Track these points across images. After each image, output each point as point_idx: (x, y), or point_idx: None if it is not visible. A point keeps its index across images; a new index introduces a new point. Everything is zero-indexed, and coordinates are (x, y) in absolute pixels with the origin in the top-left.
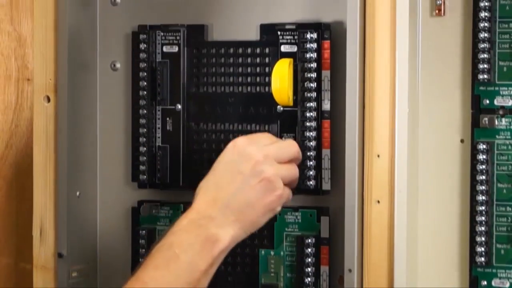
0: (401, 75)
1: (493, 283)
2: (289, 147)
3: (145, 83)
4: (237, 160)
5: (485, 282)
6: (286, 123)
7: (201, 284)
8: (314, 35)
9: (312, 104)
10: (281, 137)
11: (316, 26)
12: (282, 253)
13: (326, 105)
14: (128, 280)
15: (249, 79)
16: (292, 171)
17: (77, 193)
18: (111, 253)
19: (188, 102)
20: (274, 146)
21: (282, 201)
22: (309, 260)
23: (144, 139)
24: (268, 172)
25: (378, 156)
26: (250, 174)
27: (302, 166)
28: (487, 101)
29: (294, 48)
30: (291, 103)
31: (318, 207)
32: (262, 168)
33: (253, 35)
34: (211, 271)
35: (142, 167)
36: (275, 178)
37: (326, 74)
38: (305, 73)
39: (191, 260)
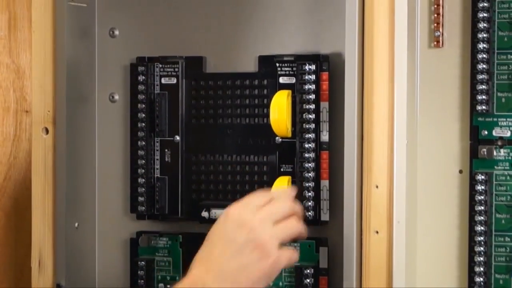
0: (400, 106)
1: None
2: (284, 203)
3: (144, 115)
4: (230, 228)
5: None
6: (284, 154)
7: None
8: (313, 67)
9: (311, 135)
10: (279, 168)
11: (315, 58)
12: (280, 283)
13: (325, 136)
14: None
15: (247, 111)
16: (292, 227)
17: (76, 225)
18: (110, 284)
19: (186, 134)
20: (268, 208)
21: (280, 266)
22: None
23: (143, 171)
24: (262, 239)
25: (377, 186)
26: (244, 242)
27: (301, 197)
28: (486, 132)
29: (292, 80)
30: (289, 134)
31: (317, 237)
32: (256, 235)
33: (252, 66)
34: None
35: (140, 198)
36: (269, 245)
37: (324, 105)
38: (304, 105)
39: None
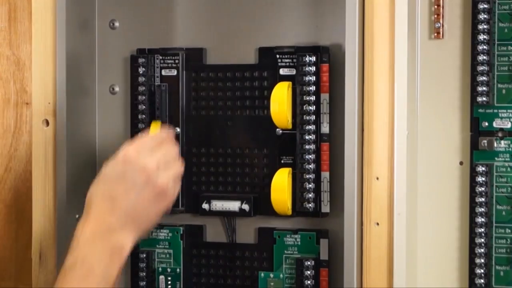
0: (400, 98)
1: None
2: (172, 147)
3: (144, 107)
4: (130, 171)
5: None
6: (285, 146)
7: (115, 286)
8: (313, 58)
9: (311, 127)
10: (280, 160)
11: (315, 49)
12: (281, 275)
13: (325, 128)
14: None
15: (247, 103)
16: (180, 169)
17: (76, 216)
18: None
19: (187, 125)
20: (162, 152)
21: (173, 201)
22: (309, 282)
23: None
24: (162, 182)
25: (377, 178)
26: (144, 184)
27: (302, 189)
28: (486, 124)
29: (292, 71)
30: (290, 126)
31: (317, 229)
32: (155, 178)
33: (252, 58)
34: (119, 274)
35: None
36: (167, 186)
37: (325, 97)
38: (304, 96)
39: (105, 272)
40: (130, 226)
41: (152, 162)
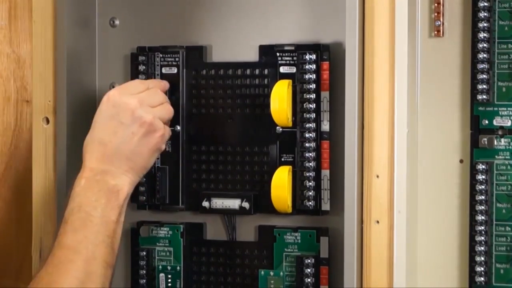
0: (400, 96)
1: None
2: (158, 91)
3: None
4: (115, 112)
5: None
6: (285, 144)
7: (117, 233)
8: (313, 56)
9: (311, 125)
10: (280, 158)
11: (315, 47)
12: (281, 273)
13: (325, 126)
14: (53, 248)
15: (248, 100)
16: (167, 110)
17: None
18: None
19: (187, 123)
20: (146, 93)
21: (165, 139)
22: (309, 280)
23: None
24: (147, 116)
25: (377, 176)
26: (130, 122)
27: (302, 187)
28: (486, 122)
29: (293, 69)
30: (290, 124)
31: (318, 227)
32: (139, 113)
33: (252, 56)
34: (121, 219)
35: (141, 188)
36: (154, 121)
37: (325, 95)
38: (304, 94)
39: (102, 215)
40: (123, 166)
41: (134, 99)
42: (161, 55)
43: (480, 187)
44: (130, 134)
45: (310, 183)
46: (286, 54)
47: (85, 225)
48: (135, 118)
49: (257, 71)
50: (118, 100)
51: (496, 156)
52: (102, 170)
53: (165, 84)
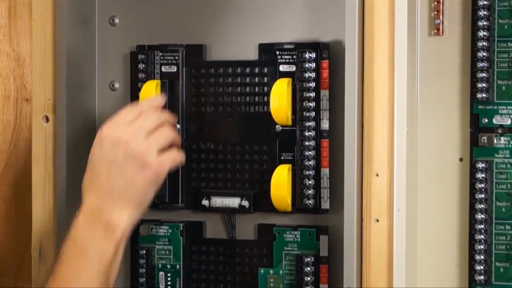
0: (400, 94)
1: None
2: (152, 114)
3: None
4: (108, 149)
5: None
6: (285, 143)
7: (113, 266)
8: (313, 55)
9: (311, 124)
10: (280, 156)
11: (315, 46)
12: (281, 272)
13: (325, 125)
14: (48, 281)
15: (247, 99)
16: (165, 135)
17: (76, 213)
18: None
19: (187, 122)
20: (139, 121)
21: (163, 171)
22: (308, 278)
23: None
24: (139, 151)
25: (377, 175)
26: (123, 158)
27: (302, 186)
28: (486, 120)
29: (292, 68)
30: (290, 123)
31: (317, 226)
32: (131, 148)
33: (252, 54)
34: (119, 252)
35: None
36: (146, 154)
37: (324, 93)
38: (304, 93)
39: (98, 248)
40: (120, 202)
41: (126, 133)
42: (160, 54)
43: (480, 186)
44: (123, 170)
45: (310, 182)
46: (286, 52)
47: (79, 258)
48: (126, 154)
49: (256, 70)
50: (111, 137)
51: (496, 155)
52: (99, 207)
53: (161, 101)
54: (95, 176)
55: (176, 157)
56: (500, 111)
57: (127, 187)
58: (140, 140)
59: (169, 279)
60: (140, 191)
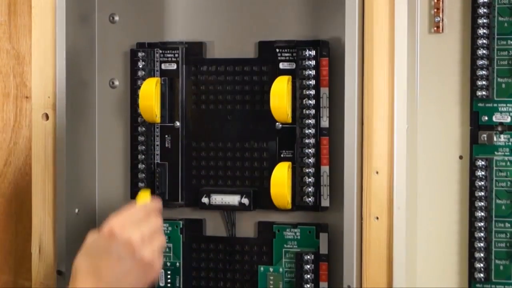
0: (400, 92)
1: None
2: (157, 220)
3: None
4: (116, 248)
5: None
6: (284, 140)
7: None
8: (313, 52)
9: (311, 121)
10: (279, 154)
11: (315, 44)
12: (281, 269)
13: (325, 122)
14: None
15: (247, 97)
16: (163, 241)
17: (76, 210)
18: None
19: (186, 119)
20: (147, 225)
21: (158, 274)
22: (308, 276)
23: (143, 156)
24: (147, 256)
25: (377, 172)
26: (131, 260)
27: (301, 183)
28: (486, 118)
29: (292, 66)
30: (289, 120)
31: (317, 223)
32: (141, 253)
33: (252, 52)
34: None
35: (141, 184)
36: (153, 259)
37: (324, 91)
38: (304, 90)
39: None
40: None
41: (137, 235)
42: (160, 51)
43: (480, 183)
44: (126, 271)
45: (310, 179)
46: (286, 50)
47: None
48: (134, 255)
49: (256, 67)
50: (120, 234)
51: (496, 152)
52: None
53: (159, 205)
54: (95, 266)
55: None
56: (500, 109)
57: (126, 287)
58: (148, 246)
59: (169, 276)
60: None
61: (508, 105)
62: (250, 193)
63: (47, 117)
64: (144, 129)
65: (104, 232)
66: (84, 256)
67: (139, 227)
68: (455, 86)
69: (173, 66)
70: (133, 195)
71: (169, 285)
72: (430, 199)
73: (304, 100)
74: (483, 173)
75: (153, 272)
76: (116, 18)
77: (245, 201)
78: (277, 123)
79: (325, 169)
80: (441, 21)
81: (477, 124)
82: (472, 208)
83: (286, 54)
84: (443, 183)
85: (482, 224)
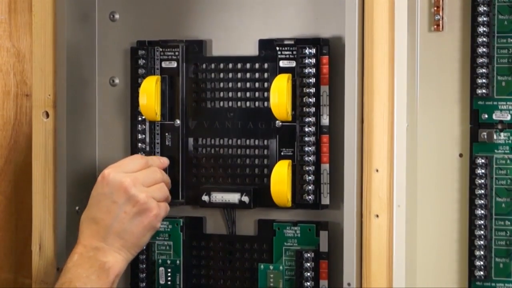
0: (400, 90)
1: None
2: (155, 171)
3: None
4: (108, 191)
5: None
6: (284, 138)
7: None
8: (313, 51)
9: (311, 119)
10: (280, 152)
11: (315, 42)
12: (281, 267)
13: (325, 120)
14: None
15: (248, 94)
16: (162, 190)
17: (76, 208)
18: None
19: (187, 118)
20: (141, 172)
21: (160, 218)
22: (308, 274)
23: (143, 154)
24: (140, 196)
25: (377, 170)
26: (124, 201)
27: (302, 181)
28: (486, 116)
29: (292, 64)
30: (289, 118)
31: (317, 221)
32: (133, 193)
33: (252, 50)
34: None
35: None
36: (147, 200)
37: (324, 89)
38: (304, 88)
39: None
40: (115, 244)
41: (128, 178)
42: (161, 49)
43: (480, 181)
44: (122, 213)
45: (310, 177)
46: (286, 48)
47: None
48: (128, 197)
49: (257, 65)
50: (112, 179)
51: (496, 150)
52: (94, 247)
53: (164, 162)
54: (93, 215)
55: (167, 209)
56: (500, 107)
57: (124, 230)
58: (141, 187)
59: (169, 274)
60: (137, 234)
61: (508, 103)
62: (250, 191)
63: (47, 115)
64: (144, 127)
65: (98, 178)
66: (86, 208)
67: (133, 173)
68: (455, 84)
69: (173, 64)
70: None
71: (169, 283)
72: (430, 197)
73: (304, 98)
74: (483, 171)
75: (151, 215)
76: (117, 16)
77: (245, 199)
78: (277, 121)
79: (325, 167)
80: (441, 19)
81: (477, 122)
82: (472, 206)
83: (286, 52)
84: (443, 181)
85: (482, 222)
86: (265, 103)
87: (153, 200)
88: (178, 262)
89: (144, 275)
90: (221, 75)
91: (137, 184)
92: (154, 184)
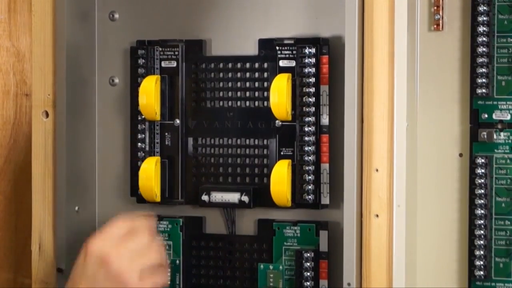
0: (400, 90)
1: None
2: (143, 236)
3: None
4: (91, 265)
5: None
6: (284, 138)
7: None
8: (313, 50)
9: (311, 119)
10: (279, 152)
11: (315, 41)
12: (281, 267)
13: (325, 120)
14: None
15: (247, 94)
16: (152, 257)
17: (76, 208)
18: None
19: (186, 117)
20: (128, 242)
21: None
22: (308, 274)
23: (143, 154)
24: (121, 272)
25: (377, 170)
26: (104, 278)
27: (301, 181)
28: (486, 115)
29: (292, 63)
30: (289, 118)
31: (317, 221)
32: (114, 268)
33: (252, 50)
34: None
35: None
36: (128, 277)
37: (324, 88)
38: (304, 88)
39: None
40: None
41: (112, 252)
42: (160, 49)
43: (480, 181)
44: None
45: (310, 177)
46: (286, 47)
47: None
48: (108, 274)
49: (256, 65)
50: (96, 253)
51: (496, 150)
52: None
53: (154, 222)
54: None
55: (161, 280)
56: (500, 107)
57: None
58: (124, 261)
59: (169, 274)
60: None
61: (508, 103)
62: (250, 190)
63: (47, 114)
64: (144, 126)
65: (80, 254)
66: (68, 281)
67: (118, 242)
68: (455, 84)
69: (173, 64)
70: (133, 192)
71: (169, 282)
72: (430, 196)
73: (304, 98)
74: (483, 170)
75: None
76: (116, 15)
77: (245, 198)
78: (277, 121)
79: (325, 166)
80: (441, 19)
81: (477, 122)
82: (472, 206)
83: (286, 52)
84: (443, 181)
85: (482, 221)
86: (265, 103)
87: (135, 275)
88: (177, 262)
89: None
90: (221, 74)
91: (121, 257)
92: (142, 251)
